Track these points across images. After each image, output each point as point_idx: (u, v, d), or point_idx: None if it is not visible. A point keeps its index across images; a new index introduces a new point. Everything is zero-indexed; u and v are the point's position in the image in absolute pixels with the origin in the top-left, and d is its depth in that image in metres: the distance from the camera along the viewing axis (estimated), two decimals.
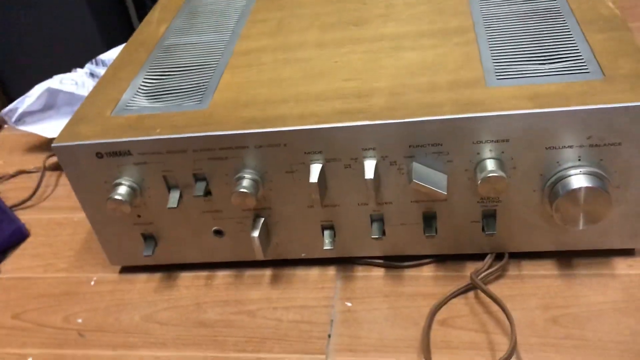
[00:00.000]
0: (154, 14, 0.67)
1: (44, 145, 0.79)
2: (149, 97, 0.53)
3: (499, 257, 0.51)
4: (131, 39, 0.63)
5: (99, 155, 0.49)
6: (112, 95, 0.54)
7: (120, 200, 0.49)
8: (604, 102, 0.42)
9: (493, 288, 0.50)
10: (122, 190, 0.49)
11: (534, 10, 0.54)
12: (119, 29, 0.87)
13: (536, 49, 0.49)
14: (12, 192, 0.72)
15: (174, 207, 0.50)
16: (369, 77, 0.50)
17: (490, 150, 0.45)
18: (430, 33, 0.54)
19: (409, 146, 0.46)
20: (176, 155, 0.48)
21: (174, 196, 0.50)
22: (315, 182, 0.46)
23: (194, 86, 0.53)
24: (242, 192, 0.47)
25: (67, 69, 0.82)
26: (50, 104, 0.77)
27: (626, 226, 0.48)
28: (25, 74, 0.86)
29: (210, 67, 0.55)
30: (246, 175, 0.48)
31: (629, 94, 0.42)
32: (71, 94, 0.75)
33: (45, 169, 0.73)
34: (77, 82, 0.75)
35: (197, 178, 0.50)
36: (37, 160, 0.76)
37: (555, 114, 0.43)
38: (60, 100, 0.77)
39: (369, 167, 0.46)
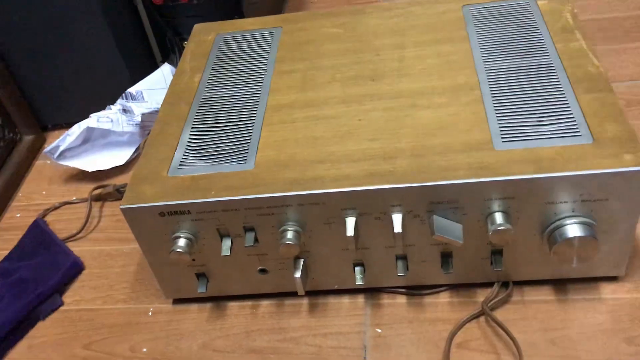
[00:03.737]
0: (185, 62, 0.74)
1: (80, 175, 0.86)
2: (198, 156, 0.60)
3: (504, 284, 0.61)
4: (170, 90, 0.70)
5: (162, 214, 0.57)
6: (164, 153, 0.61)
7: (181, 252, 0.57)
8: (594, 167, 0.51)
9: (500, 313, 0.59)
10: (182, 242, 0.57)
11: (530, 65, 0.62)
12: (140, 58, 0.93)
13: (534, 109, 0.57)
14: (60, 224, 0.79)
15: (227, 255, 0.58)
16: (391, 138, 0.58)
17: (499, 205, 0.53)
18: (441, 90, 0.62)
19: (430, 203, 0.54)
20: (229, 213, 0.56)
21: (227, 244, 0.58)
22: (351, 235, 0.55)
23: (237, 144, 0.61)
24: (288, 244, 0.56)
25: (96, 97, 0.89)
26: (86, 139, 0.84)
27: (611, 258, 0.57)
28: (55, 102, 0.93)
29: (248, 124, 0.63)
30: (290, 228, 0.56)
31: (613, 160, 0.51)
32: (107, 130, 0.82)
33: (91, 200, 0.80)
34: (112, 119, 0.82)
35: (247, 229, 0.58)
36: (77, 190, 0.84)
37: (553, 178, 0.51)
38: (95, 135, 0.84)
39: (397, 222, 0.54)
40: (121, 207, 0.57)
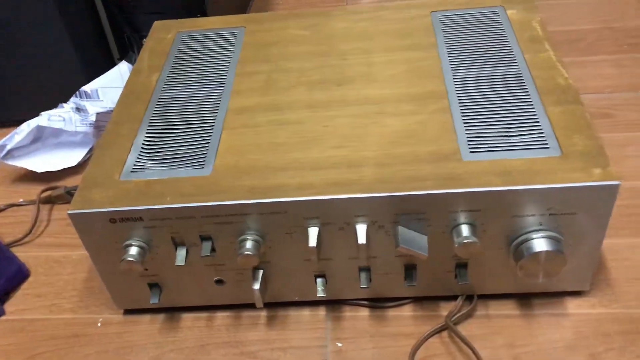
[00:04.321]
0: (143, 60, 0.70)
1: (29, 176, 0.81)
2: (153, 159, 0.57)
3: (469, 297, 0.59)
4: (125, 89, 0.66)
5: (112, 220, 0.53)
6: (117, 156, 0.58)
7: (132, 261, 0.54)
8: (563, 181, 0.50)
9: (464, 327, 0.57)
10: (133, 251, 0.54)
11: (499, 75, 0.61)
12: (96, 55, 0.89)
13: (503, 120, 0.56)
14: (5, 227, 0.75)
15: (182, 265, 0.55)
16: (357, 145, 0.56)
17: (465, 217, 0.52)
18: (408, 98, 0.60)
19: (395, 213, 0.52)
20: (184, 220, 0.53)
21: (181, 254, 0.55)
22: (314, 246, 0.52)
23: (195, 148, 0.58)
24: (247, 254, 0.53)
25: (48, 94, 0.84)
26: (37, 138, 0.79)
27: (576, 273, 0.56)
28: (3, 99, 0.88)
29: (207, 127, 0.60)
30: (249, 237, 0.54)
31: (582, 174, 0.50)
32: (58, 129, 0.78)
33: (40, 202, 0.76)
34: (64, 118, 0.77)
35: (203, 238, 0.55)
36: (24, 192, 0.79)
37: (521, 191, 0.50)
38: (46, 134, 0.80)
39: (361, 232, 0.52)
40: (69, 212, 0.53)
